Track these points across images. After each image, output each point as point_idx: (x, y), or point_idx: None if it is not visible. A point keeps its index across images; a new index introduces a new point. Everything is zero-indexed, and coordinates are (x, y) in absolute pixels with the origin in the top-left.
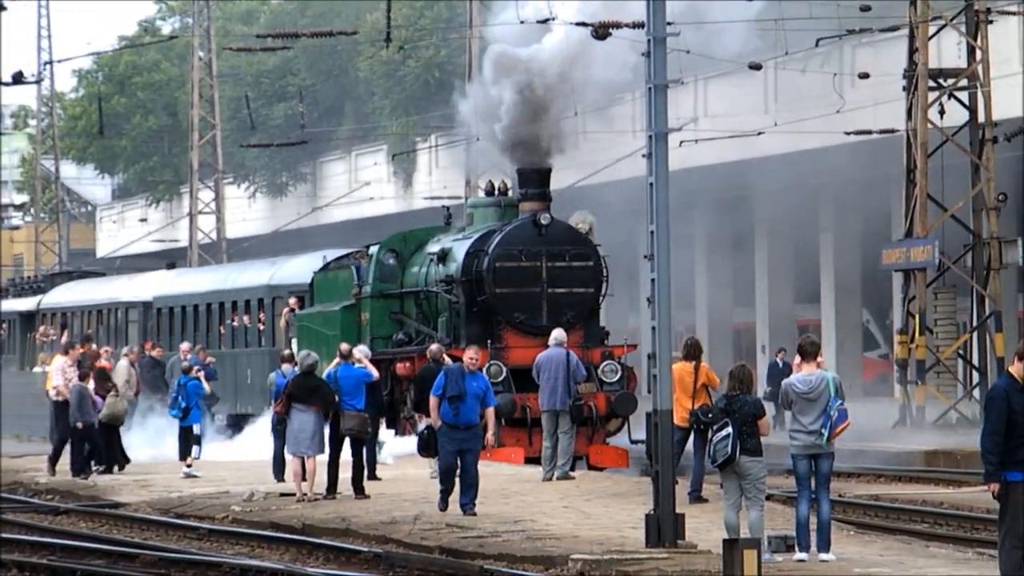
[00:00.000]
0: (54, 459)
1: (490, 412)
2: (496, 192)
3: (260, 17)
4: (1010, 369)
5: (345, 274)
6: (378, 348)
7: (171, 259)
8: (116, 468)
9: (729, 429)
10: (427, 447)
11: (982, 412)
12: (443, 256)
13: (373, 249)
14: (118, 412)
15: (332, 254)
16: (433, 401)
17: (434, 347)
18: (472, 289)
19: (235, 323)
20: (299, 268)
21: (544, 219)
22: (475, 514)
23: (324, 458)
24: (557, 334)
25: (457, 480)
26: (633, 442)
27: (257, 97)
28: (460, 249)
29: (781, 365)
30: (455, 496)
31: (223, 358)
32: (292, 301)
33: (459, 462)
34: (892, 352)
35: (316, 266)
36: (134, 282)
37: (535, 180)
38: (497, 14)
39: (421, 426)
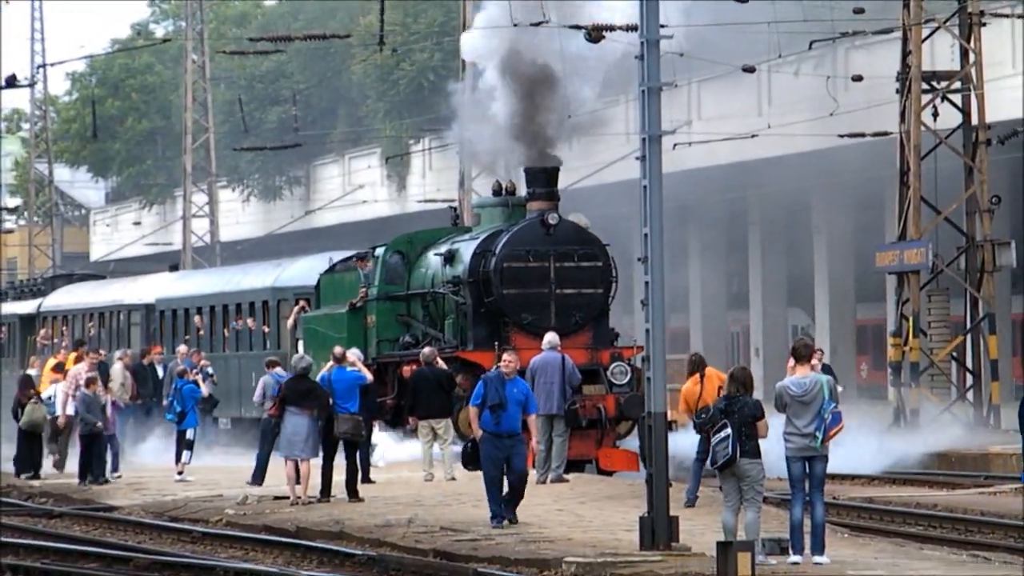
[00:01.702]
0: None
1: (532, 420)
2: (503, 191)
3: (253, 20)
4: None
5: (352, 276)
6: (384, 351)
7: (165, 262)
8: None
9: (728, 430)
10: (471, 459)
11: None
12: (450, 257)
13: (379, 251)
14: (36, 419)
15: (338, 256)
16: (473, 411)
17: (427, 350)
18: (479, 290)
19: (239, 326)
20: (305, 270)
21: (552, 219)
22: (516, 521)
23: (318, 461)
24: (551, 338)
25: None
26: None
27: (250, 100)
28: (467, 250)
29: (820, 367)
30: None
31: (227, 361)
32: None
33: (506, 469)
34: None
35: (322, 268)
36: (136, 284)
37: (542, 179)
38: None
39: (425, 436)
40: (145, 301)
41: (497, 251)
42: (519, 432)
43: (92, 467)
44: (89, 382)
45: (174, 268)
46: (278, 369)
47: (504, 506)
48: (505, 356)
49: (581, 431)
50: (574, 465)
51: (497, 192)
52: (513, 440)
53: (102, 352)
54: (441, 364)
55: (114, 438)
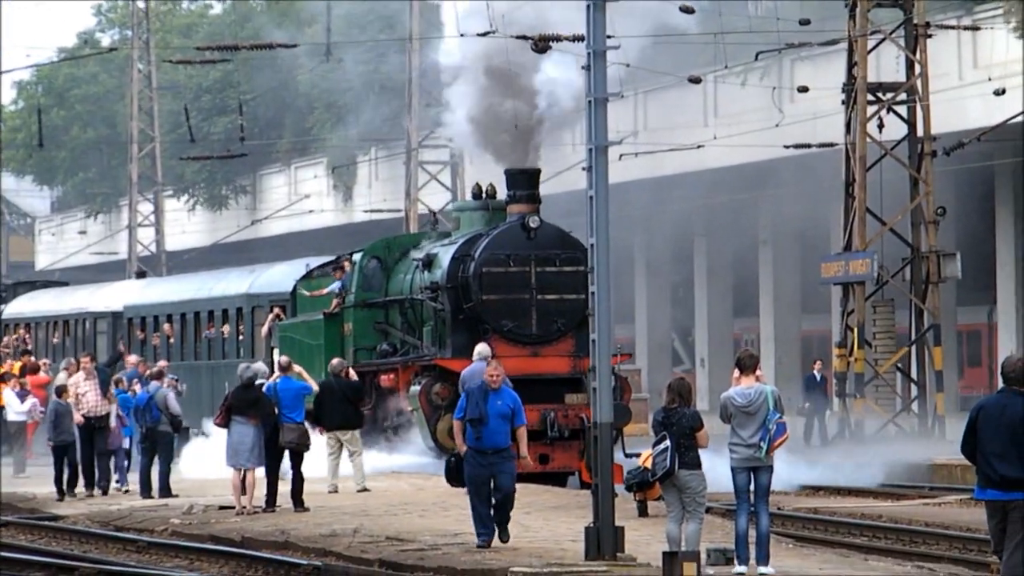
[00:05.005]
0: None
1: (521, 432)
2: (483, 195)
3: (200, 30)
4: None
5: (329, 282)
6: (362, 359)
7: (111, 272)
8: None
9: (667, 442)
10: (455, 476)
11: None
12: (428, 262)
13: (356, 256)
14: None
15: (315, 262)
16: (456, 425)
17: (335, 361)
18: (458, 296)
19: (212, 334)
20: (280, 276)
21: (533, 222)
22: (507, 540)
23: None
24: (480, 348)
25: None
26: (627, 456)
27: (197, 110)
28: (446, 255)
29: (819, 378)
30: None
31: (200, 370)
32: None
33: (492, 485)
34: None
35: (298, 274)
36: (102, 291)
37: (523, 182)
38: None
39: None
40: (112, 308)
41: (476, 256)
42: (505, 447)
43: (72, 479)
44: (59, 391)
45: (141, 275)
46: (142, 386)
47: (495, 524)
48: (489, 369)
49: (563, 442)
50: (556, 477)
51: (477, 195)
52: (499, 456)
53: (29, 358)
54: (353, 376)
55: (119, 451)
